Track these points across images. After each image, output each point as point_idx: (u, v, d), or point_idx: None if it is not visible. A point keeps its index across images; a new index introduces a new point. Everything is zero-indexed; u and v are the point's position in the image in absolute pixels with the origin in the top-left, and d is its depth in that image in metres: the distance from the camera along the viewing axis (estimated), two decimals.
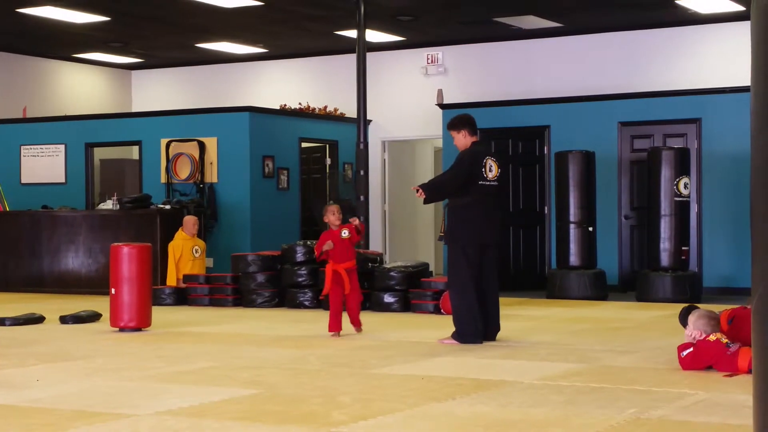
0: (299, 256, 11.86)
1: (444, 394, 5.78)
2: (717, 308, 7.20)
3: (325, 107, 16.75)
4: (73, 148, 15.87)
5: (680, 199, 12.45)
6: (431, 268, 13.24)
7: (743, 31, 14.11)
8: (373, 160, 16.21)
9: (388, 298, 11.23)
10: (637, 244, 13.80)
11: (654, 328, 9.42)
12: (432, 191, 8.40)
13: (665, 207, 12.44)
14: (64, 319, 10.00)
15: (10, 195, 15.54)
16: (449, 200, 8.54)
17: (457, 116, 8.60)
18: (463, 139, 8.45)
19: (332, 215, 9.05)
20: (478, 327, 8.19)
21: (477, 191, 8.30)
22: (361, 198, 12.77)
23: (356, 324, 8.96)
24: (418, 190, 8.27)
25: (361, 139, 12.82)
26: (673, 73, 14.85)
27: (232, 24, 15.11)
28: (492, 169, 8.36)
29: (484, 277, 8.36)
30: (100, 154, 16.52)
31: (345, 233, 8.92)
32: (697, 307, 7.11)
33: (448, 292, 8.99)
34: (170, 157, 14.88)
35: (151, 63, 18.48)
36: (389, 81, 16.72)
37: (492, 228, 8.41)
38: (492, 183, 8.36)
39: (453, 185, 8.38)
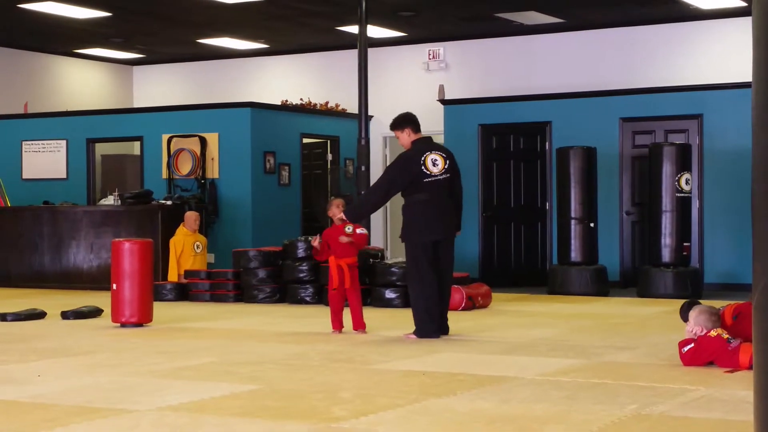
0: (300, 252, 11.85)
1: (445, 389, 5.78)
2: (718, 304, 7.19)
3: (327, 103, 16.74)
4: (75, 144, 15.87)
5: (681, 195, 12.44)
6: None
7: (745, 27, 14.10)
8: (374, 156, 16.17)
9: (389, 294, 11.22)
10: (638, 240, 13.79)
11: (655, 324, 9.42)
12: (349, 215, 8.65)
13: (666, 203, 12.43)
14: (65, 315, 10.00)
15: (12, 190, 15.55)
16: (404, 198, 8.54)
17: (399, 115, 8.64)
18: (407, 138, 8.48)
19: (336, 209, 8.85)
20: (434, 323, 8.28)
21: (426, 188, 8.29)
22: (362, 194, 12.76)
23: (361, 327, 8.76)
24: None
25: (363, 135, 12.80)
26: (674, 69, 14.84)
27: (233, 20, 15.10)
28: (437, 163, 8.32)
29: (440, 271, 8.40)
30: (101, 149, 16.51)
31: (349, 230, 8.84)
32: (698, 302, 7.11)
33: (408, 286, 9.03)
34: (171, 152, 14.87)
35: (152, 58, 18.47)
36: (391, 77, 16.72)
37: (445, 224, 8.40)
38: (441, 176, 8.32)
39: (373, 202, 8.79)
